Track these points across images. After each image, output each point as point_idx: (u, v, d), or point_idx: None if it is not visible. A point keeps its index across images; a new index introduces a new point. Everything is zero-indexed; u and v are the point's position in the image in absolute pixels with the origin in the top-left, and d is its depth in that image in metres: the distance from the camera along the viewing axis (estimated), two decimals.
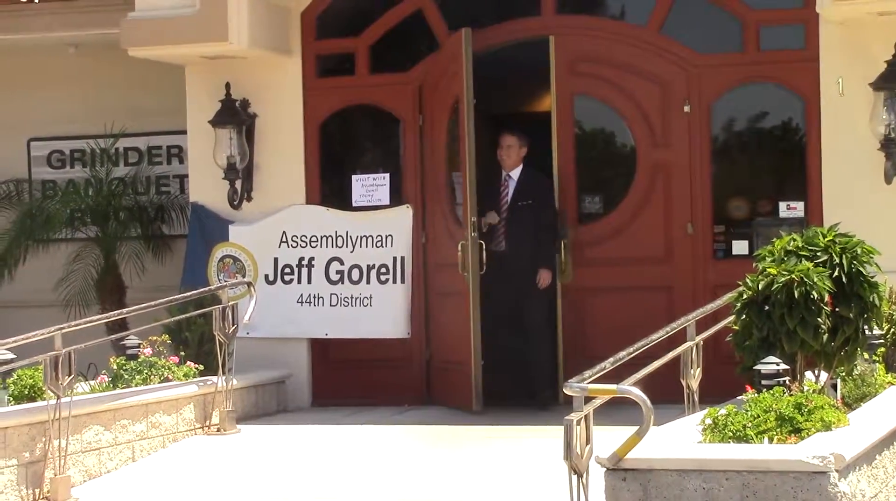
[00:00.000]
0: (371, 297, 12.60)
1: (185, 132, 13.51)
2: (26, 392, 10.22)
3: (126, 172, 15.03)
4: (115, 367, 11.36)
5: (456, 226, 12.20)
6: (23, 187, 15.44)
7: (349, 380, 12.80)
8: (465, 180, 11.89)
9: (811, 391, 7.81)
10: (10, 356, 10.12)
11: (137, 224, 14.77)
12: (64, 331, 9.78)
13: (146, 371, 11.27)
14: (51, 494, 9.39)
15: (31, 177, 15.47)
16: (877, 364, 9.03)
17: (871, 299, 8.15)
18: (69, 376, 9.65)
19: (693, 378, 8.49)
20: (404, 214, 12.62)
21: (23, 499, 9.29)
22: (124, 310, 11.40)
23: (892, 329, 9.89)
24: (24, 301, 14.48)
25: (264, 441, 11.02)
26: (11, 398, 10.11)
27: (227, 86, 12.87)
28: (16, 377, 10.23)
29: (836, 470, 6.39)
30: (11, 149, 15.32)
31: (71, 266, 14.43)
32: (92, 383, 11.23)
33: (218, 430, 11.34)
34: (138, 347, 11.59)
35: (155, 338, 11.81)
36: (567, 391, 6.68)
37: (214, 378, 11.44)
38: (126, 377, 11.22)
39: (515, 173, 12.13)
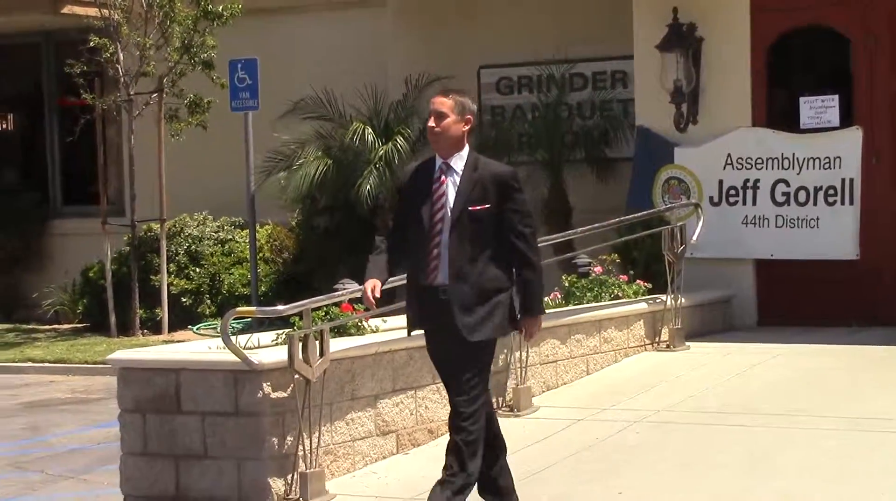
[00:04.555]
0: (818, 219, 12.56)
1: (629, 58, 13.75)
2: None
3: (571, 97, 15.44)
4: (566, 284, 11.78)
5: None
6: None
7: (794, 300, 12.83)
8: None
9: None
10: None
11: (582, 148, 15.17)
12: None
13: (597, 289, 11.65)
14: (513, 402, 9.87)
15: (480, 103, 16.08)
16: None
17: None
18: None
19: None
20: (854, 136, 12.49)
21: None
22: (578, 230, 11.75)
23: None
24: None
25: (711, 358, 11.22)
26: None
27: (675, 10, 13.02)
28: None
29: None
30: (463, 76, 15.94)
31: None
32: (545, 299, 11.68)
33: (667, 346, 11.62)
34: (589, 265, 11.98)
35: (604, 257, 12.17)
36: None
37: (663, 296, 11.71)
38: (578, 294, 11.62)
39: (457, 162, 7.19)
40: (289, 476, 8.09)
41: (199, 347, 9.07)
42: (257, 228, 16.10)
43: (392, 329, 9.29)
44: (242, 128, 15.47)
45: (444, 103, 7.24)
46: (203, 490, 8.19)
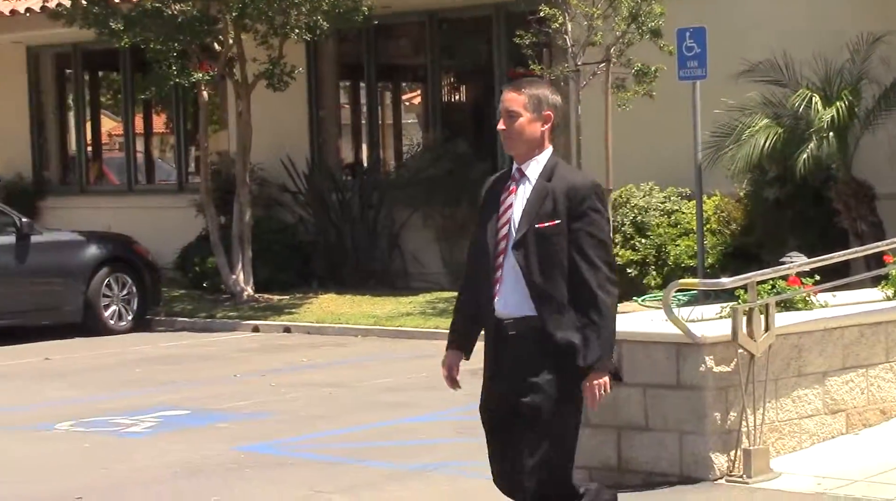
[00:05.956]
0: None
1: None
2: None
3: None
4: None
5: None
6: None
7: None
8: None
9: None
10: None
11: None
12: None
13: None
14: None
15: None
16: None
17: None
18: None
19: None
20: None
21: None
22: None
23: None
24: None
25: None
26: None
27: None
28: None
29: None
30: None
31: None
32: None
33: None
34: None
35: None
36: None
37: None
38: None
39: (534, 168, 6.05)
40: (731, 453, 7.91)
41: (640, 318, 8.97)
42: (704, 198, 15.86)
43: (842, 305, 8.94)
44: (689, 96, 15.25)
45: (514, 100, 6.03)
46: (644, 463, 8.10)
